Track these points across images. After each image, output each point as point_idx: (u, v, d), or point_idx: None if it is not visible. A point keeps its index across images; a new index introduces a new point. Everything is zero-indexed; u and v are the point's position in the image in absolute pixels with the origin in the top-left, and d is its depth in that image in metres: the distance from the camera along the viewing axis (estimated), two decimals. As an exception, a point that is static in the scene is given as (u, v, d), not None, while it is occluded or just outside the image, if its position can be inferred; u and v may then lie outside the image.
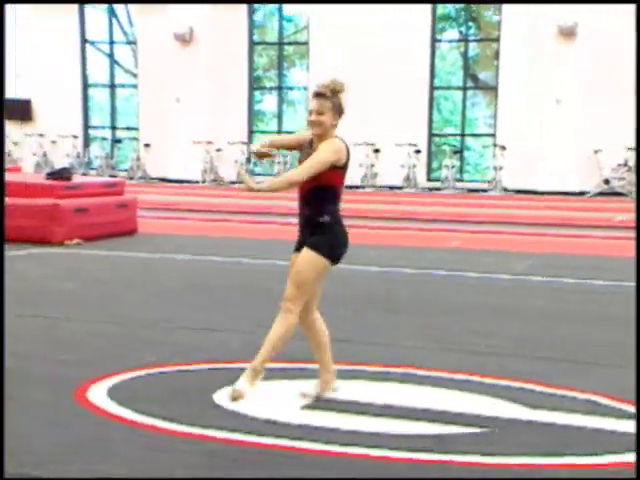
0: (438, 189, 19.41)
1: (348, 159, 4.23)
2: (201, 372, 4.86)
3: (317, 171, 4.08)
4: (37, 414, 4.07)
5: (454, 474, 3.44)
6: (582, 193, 18.31)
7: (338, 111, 4.21)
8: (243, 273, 8.78)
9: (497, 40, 19.93)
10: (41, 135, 22.38)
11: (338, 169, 4.18)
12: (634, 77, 16.94)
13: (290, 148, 4.52)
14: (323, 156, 4.10)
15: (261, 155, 4.36)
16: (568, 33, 18.34)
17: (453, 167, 19.51)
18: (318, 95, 4.18)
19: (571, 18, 18.16)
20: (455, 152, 20.08)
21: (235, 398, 4.19)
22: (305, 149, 4.30)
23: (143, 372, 4.85)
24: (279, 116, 22.30)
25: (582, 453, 3.70)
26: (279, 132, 22.08)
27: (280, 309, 4.28)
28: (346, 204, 16.19)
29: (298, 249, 4.31)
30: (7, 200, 10.66)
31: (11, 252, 9.64)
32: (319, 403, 4.30)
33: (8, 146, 22.55)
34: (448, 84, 21.40)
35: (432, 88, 20.45)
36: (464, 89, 20.84)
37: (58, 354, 5.24)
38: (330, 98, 4.17)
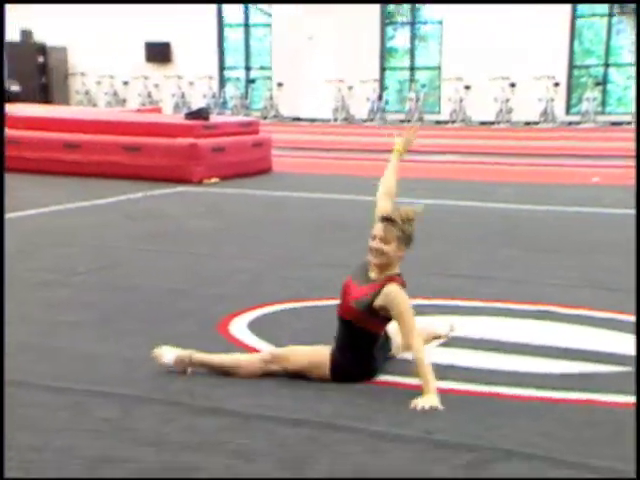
0: (578, 123, 18.68)
1: None
2: (334, 307, 4.94)
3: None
4: (185, 345, 4.24)
5: (597, 413, 3.37)
6: None
7: (406, 241, 3.65)
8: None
9: (646, -38, 18.71)
10: (179, 77, 22.97)
11: (384, 320, 3.65)
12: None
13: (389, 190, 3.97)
14: (407, 307, 3.54)
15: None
16: None
17: (594, 100, 18.69)
18: (386, 220, 3.62)
19: None
20: (597, 84, 19.18)
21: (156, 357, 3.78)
22: (362, 271, 3.74)
23: (281, 307, 4.98)
24: (411, 52, 21.94)
25: None
26: (411, 69, 21.73)
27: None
28: (480, 140, 15.90)
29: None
30: (148, 140, 11.08)
31: (153, 191, 10.04)
32: (455, 341, 4.30)
33: (149, 88, 23.29)
34: (592, 12, 20.32)
35: (574, 16, 19.52)
36: (609, 16, 19.76)
37: (202, 289, 5.44)
38: (399, 226, 3.60)
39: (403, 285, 3.62)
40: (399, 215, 3.63)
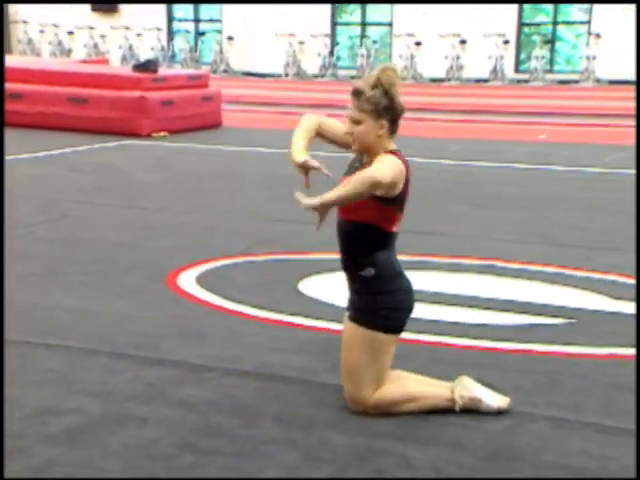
0: (526, 81, 18.81)
1: (405, 191, 2.86)
2: (283, 262, 4.97)
3: (389, 181, 2.73)
4: (132, 298, 4.25)
5: (534, 363, 3.47)
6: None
7: (388, 114, 2.83)
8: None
9: None
10: (127, 28, 22.45)
11: (389, 204, 2.83)
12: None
13: (337, 143, 3.09)
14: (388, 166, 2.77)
15: (307, 169, 3.03)
16: None
17: (543, 58, 18.81)
18: (355, 94, 2.84)
19: None
20: (546, 42, 19.30)
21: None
22: (353, 162, 3.02)
23: (229, 261, 4.98)
24: (363, 7, 21.75)
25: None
26: (363, 25, 21.58)
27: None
28: (431, 97, 15.96)
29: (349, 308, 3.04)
30: (95, 92, 10.86)
31: (100, 144, 9.88)
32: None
33: (95, 39, 22.74)
34: (541, -31, 20.32)
35: (523, -26, 19.55)
36: (558, -26, 19.81)
37: (150, 242, 5.42)
38: (372, 98, 2.80)
39: (404, 161, 2.85)
40: (368, 85, 2.81)
